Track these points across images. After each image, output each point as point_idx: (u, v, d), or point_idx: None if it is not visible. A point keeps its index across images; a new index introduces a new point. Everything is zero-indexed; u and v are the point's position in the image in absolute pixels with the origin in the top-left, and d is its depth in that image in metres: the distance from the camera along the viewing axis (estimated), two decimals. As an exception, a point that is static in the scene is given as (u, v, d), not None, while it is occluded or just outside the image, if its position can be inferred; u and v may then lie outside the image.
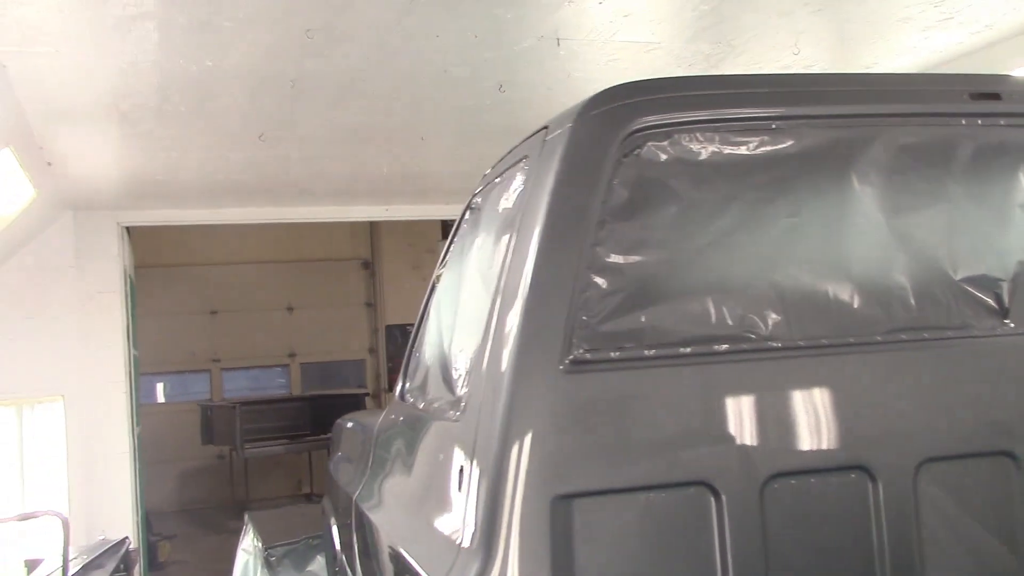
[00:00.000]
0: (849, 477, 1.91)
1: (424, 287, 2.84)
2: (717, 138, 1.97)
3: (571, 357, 1.81)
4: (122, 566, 5.95)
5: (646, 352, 1.86)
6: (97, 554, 5.19)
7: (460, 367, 2.21)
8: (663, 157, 1.94)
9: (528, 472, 1.78)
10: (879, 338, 1.98)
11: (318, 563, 5.69)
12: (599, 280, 1.86)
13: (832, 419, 1.93)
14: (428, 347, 2.68)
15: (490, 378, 1.89)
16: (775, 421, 1.90)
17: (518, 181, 2.14)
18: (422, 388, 2.63)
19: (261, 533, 5.88)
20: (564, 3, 3.59)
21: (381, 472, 2.86)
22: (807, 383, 1.94)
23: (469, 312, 2.33)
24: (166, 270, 13.23)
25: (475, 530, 1.83)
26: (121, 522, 7.10)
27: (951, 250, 2.05)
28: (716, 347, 1.90)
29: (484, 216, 2.42)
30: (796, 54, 4.24)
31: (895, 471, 1.92)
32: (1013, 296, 2.04)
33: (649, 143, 1.93)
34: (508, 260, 1.96)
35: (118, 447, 7.38)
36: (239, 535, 12.38)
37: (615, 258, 1.88)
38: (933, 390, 2.00)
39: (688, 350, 1.89)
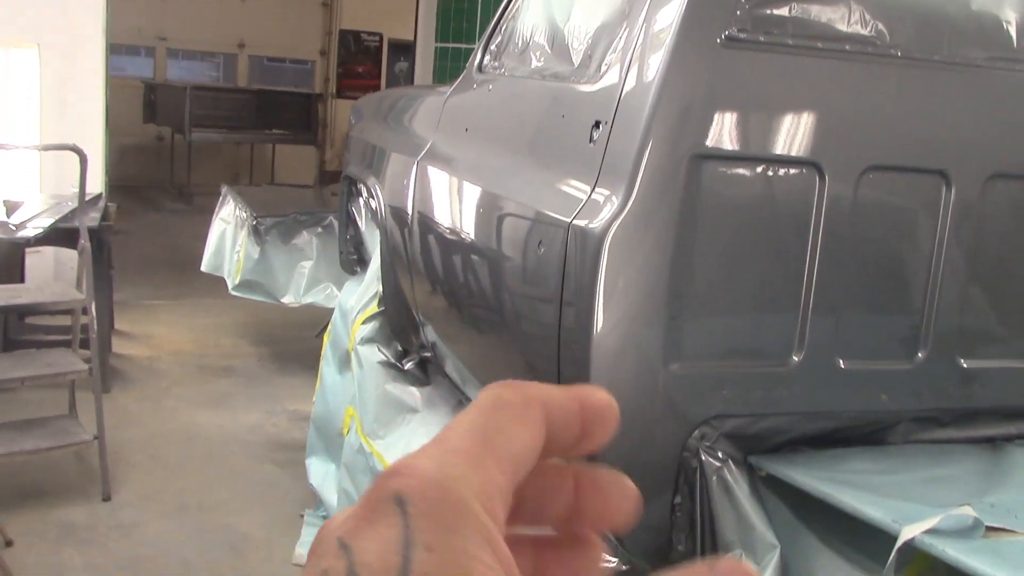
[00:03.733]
0: (930, 179, 2.20)
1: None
2: None
3: (727, 34, 2.00)
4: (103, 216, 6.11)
5: (789, 41, 2.07)
6: (85, 200, 5.29)
7: (585, 37, 2.38)
8: None
9: (673, 130, 2.01)
10: (980, 63, 2.22)
11: (303, 238, 5.97)
12: (759, -33, 2.03)
13: (926, 126, 2.19)
14: (528, 23, 2.82)
15: (647, 46, 2.07)
16: (881, 119, 2.15)
17: None
18: (520, 59, 2.79)
19: (247, 205, 6.07)
20: None
21: (458, 136, 3.05)
22: (914, 91, 2.18)
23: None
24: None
25: (612, 178, 2.07)
26: (92, 180, 7.16)
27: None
28: (846, 46, 2.11)
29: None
30: None
31: (968, 180, 2.21)
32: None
33: None
34: None
35: (92, 102, 7.35)
36: (178, 215, 12.53)
37: (775, -51, 2.04)
38: (1012, 114, 2.27)
39: (821, 44, 2.09)
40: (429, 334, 3.35)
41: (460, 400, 3.36)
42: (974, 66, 2.21)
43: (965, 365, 2.28)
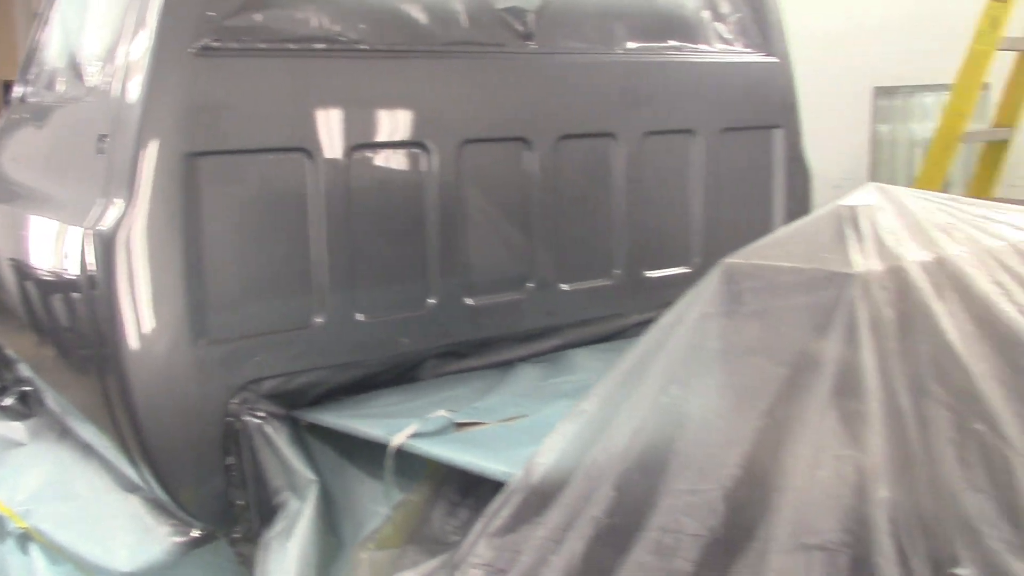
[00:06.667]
0: (411, 151, 2.57)
1: None
2: None
3: (201, 45, 2.26)
4: None
5: (261, 45, 2.36)
6: None
7: (93, 60, 2.57)
8: None
9: (162, 134, 2.24)
10: (439, 48, 2.62)
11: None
12: (224, -17, 2.31)
13: (401, 106, 2.56)
14: (52, 54, 2.95)
15: (131, 62, 2.28)
16: (358, 104, 2.49)
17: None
18: (48, 87, 2.92)
19: None
20: None
21: (10, 168, 3.12)
22: (384, 78, 2.54)
23: (98, 19, 2.66)
24: None
25: (117, 183, 2.27)
26: None
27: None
28: (315, 45, 2.43)
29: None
30: None
31: (444, 148, 2.60)
32: (537, 25, 2.76)
33: None
34: None
35: None
36: None
37: (236, -35, 2.32)
38: (475, 89, 2.69)
39: (293, 46, 2.40)
40: (23, 368, 3.37)
41: (64, 428, 3.41)
42: (434, 52, 2.61)
43: (470, 303, 2.68)
